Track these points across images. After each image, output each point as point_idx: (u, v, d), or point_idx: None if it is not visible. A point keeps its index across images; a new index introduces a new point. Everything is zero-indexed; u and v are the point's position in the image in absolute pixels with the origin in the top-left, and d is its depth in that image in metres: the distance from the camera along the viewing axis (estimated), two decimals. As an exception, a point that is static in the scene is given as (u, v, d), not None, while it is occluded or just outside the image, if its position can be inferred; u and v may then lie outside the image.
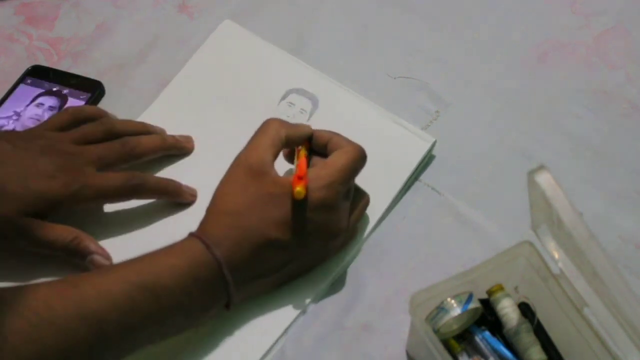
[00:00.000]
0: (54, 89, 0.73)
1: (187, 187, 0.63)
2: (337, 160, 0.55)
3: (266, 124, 0.58)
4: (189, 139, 0.67)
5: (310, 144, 0.59)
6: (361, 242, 0.61)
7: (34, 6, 0.81)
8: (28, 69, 0.75)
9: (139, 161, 0.63)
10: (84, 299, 0.48)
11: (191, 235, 0.54)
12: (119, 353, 0.50)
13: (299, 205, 0.53)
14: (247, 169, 0.55)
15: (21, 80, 0.74)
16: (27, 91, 0.73)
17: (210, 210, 0.55)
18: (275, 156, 0.56)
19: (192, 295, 0.51)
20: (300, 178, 0.53)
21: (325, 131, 0.59)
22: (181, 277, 0.51)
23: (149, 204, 0.63)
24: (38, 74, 0.74)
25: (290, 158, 0.60)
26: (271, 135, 0.56)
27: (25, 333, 0.45)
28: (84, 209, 0.61)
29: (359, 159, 0.57)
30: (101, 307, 0.48)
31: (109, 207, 0.63)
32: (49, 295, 0.48)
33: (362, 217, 0.61)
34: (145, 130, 0.66)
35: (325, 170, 0.55)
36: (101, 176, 0.59)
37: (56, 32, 0.79)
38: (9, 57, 0.77)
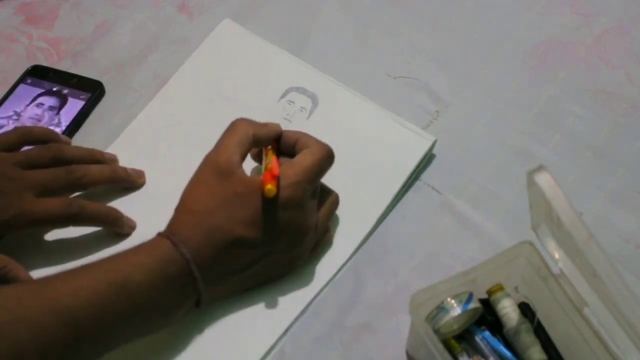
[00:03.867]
0: (54, 89, 0.73)
1: (128, 219, 0.63)
2: (303, 160, 0.56)
3: (234, 123, 0.58)
4: (140, 174, 0.66)
5: (278, 144, 0.60)
6: (361, 241, 0.61)
7: (34, 6, 0.81)
8: (28, 69, 0.75)
9: (85, 191, 0.63)
10: (57, 296, 0.48)
11: (159, 234, 0.54)
12: (94, 351, 0.50)
13: (267, 204, 0.53)
14: (214, 168, 0.55)
15: (21, 80, 0.74)
16: (27, 91, 0.73)
17: (178, 209, 0.56)
18: (243, 156, 0.57)
19: (162, 292, 0.51)
20: (273, 177, 0.53)
21: (293, 131, 0.60)
22: (151, 274, 0.51)
23: (91, 233, 0.63)
24: (38, 74, 0.74)
25: (258, 157, 0.61)
26: (239, 134, 0.57)
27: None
28: (23, 234, 0.61)
29: (326, 158, 0.57)
30: (75, 304, 0.48)
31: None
32: (21, 293, 0.48)
33: (332, 217, 0.60)
34: (95, 158, 0.65)
35: (292, 169, 0.55)
36: (39, 202, 0.58)
37: (56, 32, 0.79)
38: (9, 57, 0.77)
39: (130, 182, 0.65)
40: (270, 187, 0.52)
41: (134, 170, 0.66)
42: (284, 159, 0.58)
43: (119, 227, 0.62)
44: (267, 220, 0.54)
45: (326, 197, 0.60)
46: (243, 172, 0.56)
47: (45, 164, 0.61)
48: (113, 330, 0.50)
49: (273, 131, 0.59)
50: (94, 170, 0.63)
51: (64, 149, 0.63)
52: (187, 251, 0.52)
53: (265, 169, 0.55)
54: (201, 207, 0.54)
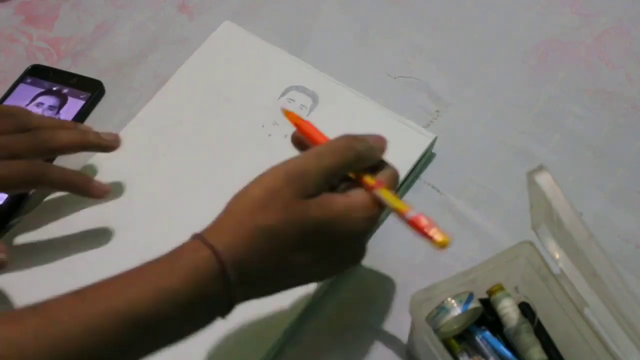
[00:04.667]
0: (54, 89, 0.73)
1: (98, 183, 0.59)
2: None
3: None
4: (115, 137, 0.62)
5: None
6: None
7: (34, 6, 0.81)
8: (28, 68, 0.75)
9: (52, 156, 0.59)
10: (64, 337, 0.39)
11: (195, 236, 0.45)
12: None
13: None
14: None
15: (21, 79, 0.74)
16: (27, 91, 0.73)
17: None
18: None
19: (197, 320, 0.44)
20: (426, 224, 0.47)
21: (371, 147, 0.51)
22: (185, 304, 0.42)
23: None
24: (38, 74, 0.74)
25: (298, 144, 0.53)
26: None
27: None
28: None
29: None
30: (86, 346, 0.40)
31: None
32: (18, 333, 0.39)
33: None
34: (67, 126, 0.62)
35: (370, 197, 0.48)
36: (1, 164, 0.55)
37: (56, 32, 0.79)
38: (9, 57, 0.77)
39: (103, 146, 0.62)
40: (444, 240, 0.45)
41: (107, 134, 0.62)
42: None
43: (88, 192, 0.59)
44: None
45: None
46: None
47: (10, 131, 0.57)
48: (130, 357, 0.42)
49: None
50: (62, 133, 0.59)
51: (31, 116, 0.60)
52: (224, 251, 0.43)
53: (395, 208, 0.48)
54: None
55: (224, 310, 0.45)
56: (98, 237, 0.63)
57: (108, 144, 0.62)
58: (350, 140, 0.49)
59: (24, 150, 0.57)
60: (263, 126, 0.68)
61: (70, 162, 0.67)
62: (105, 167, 0.67)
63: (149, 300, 0.41)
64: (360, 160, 0.49)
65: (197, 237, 0.44)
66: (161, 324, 0.42)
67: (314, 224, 0.45)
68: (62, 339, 0.39)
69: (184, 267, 0.42)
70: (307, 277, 0.50)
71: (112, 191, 0.64)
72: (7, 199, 0.66)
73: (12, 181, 0.56)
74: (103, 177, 0.67)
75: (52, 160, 0.65)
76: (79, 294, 0.41)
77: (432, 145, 0.65)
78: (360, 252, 0.51)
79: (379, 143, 0.51)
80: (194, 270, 0.42)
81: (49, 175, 0.57)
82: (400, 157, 0.64)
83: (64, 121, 0.64)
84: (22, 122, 0.58)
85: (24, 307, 0.41)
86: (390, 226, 0.62)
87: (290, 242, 0.45)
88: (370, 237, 0.53)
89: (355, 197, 0.48)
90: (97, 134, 0.62)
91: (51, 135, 0.58)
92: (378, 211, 0.48)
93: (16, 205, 0.66)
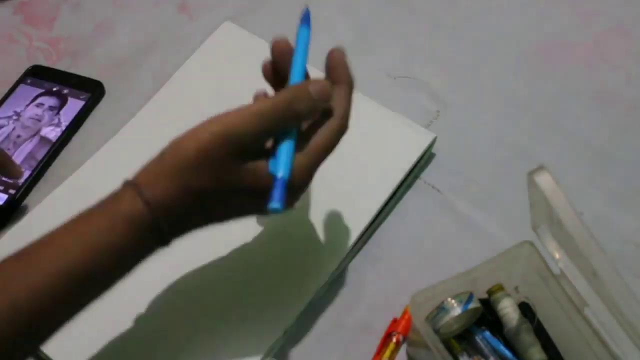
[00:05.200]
0: (54, 89, 0.73)
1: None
2: (322, 141, 0.49)
3: None
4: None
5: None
6: (358, 236, 0.61)
7: (33, 6, 0.81)
8: (28, 69, 0.75)
9: None
10: (12, 294, 0.43)
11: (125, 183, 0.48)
12: (52, 330, 0.46)
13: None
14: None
15: (21, 80, 0.74)
16: (27, 91, 0.73)
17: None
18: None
19: (132, 265, 0.47)
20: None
21: (340, 65, 0.53)
22: (122, 255, 0.46)
23: None
24: (38, 74, 0.74)
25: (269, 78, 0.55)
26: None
27: None
28: None
29: (341, 137, 0.51)
30: (31, 304, 0.43)
31: None
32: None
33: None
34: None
35: (307, 158, 0.48)
36: None
37: (56, 32, 0.79)
38: (9, 57, 0.77)
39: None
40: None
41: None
42: None
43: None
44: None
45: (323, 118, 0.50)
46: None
47: None
48: (72, 310, 0.46)
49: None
50: None
51: None
52: (151, 196, 0.46)
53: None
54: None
55: (157, 250, 0.48)
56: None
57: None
58: (292, 101, 0.48)
59: None
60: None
61: (70, 162, 0.68)
62: (105, 167, 0.67)
63: (89, 257, 0.44)
64: (300, 120, 0.49)
65: (133, 188, 0.47)
66: (100, 276, 0.45)
67: (245, 189, 0.47)
68: (6, 295, 0.43)
69: (122, 222, 0.45)
70: (227, 218, 0.50)
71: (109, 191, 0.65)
72: (6, 199, 0.66)
73: None
74: (103, 177, 0.66)
75: None
76: (18, 255, 0.45)
77: (432, 144, 0.65)
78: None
79: (322, 95, 0.50)
80: (130, 224, 0.45)
81: None
82: (400, 156, 0.64)
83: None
84: None
85: None
86: (390, 226, 0.62)
87: (218, 200, 0.47)
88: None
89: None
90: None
91: None
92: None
93: (16, 204, 0.66)
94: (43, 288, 0.44)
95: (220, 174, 0.46)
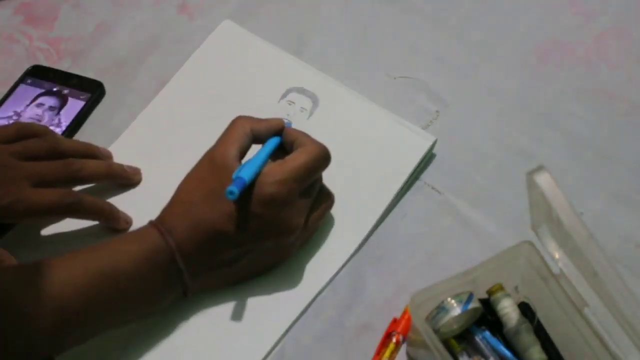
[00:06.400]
0: (54, 89, 0.73)
1: (124, 214, 0.63)
2: (295, 158, 0.55)
3: (233, 121, 0.58)
4: (137, 171, 0.66)
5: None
6: (361, 241, 0.61)
7: (33, 6, 0.81)
8: (28, 69, 0.75)
9: (81, 185, 0.63)
10: (45, 286, 0.48)
11: (150, 223, 0.55)
12: (80, 337, 0.52)
13: (250, 200, 0.53)
14: (210, 162, 0.56)
15: (21, 80, 0.74)
16: (27, 91, 0.73)
17: (171, 199, 0.56)
18: (241, 151, 0.56)
19: (149, 281, 0.52)
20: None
21: (294, 130, 0.59)
22: (138, 263, 0.52)
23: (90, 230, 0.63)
24: (38, 74, 0.74)
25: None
26: (237, 130, 0.57)
27: None
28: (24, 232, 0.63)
29: (319, 158, 0.56)
30: (64, 294, 0.49)
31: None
32: (9, 282, 0.49)
33: (324, 218, 0.60)
34: (91, 152, 0.65)
35: (280, 167, 0.55)
36: (36, 192, 0.58)
37: (56, 32, 0.79)
38: (9, 57, 0.77)
39: (126, 178, 0.65)
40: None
41: (130, 167, 0.66)
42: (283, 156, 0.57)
43: (115, 222, 0.62)
44: (250, 216, 0.54)
45: (324, 199, 0.59)
46: (236, 166, 0.55)
47: (42, 156, 0.61)
48: (100, 318, 0.51)
49: (272, 126, 0.59)
50: (91, 164, 0.63)
51: (60, 141, 0.63)
52: (173, 241, 0.53)
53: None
54: (190, 197, 0.55)
55: (179, 292, 0.55)
56: (100, 237, 0.63)
57: (130, 177, 0.66)
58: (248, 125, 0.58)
59: (55, 179, 0.60)
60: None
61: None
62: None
63: (111, 258, 0.52)
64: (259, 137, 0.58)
65: (155, 227, 0.54)
66: (122, 278, 0.51)
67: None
68: (40, 287, 0.48)
69: (138, 235, 0.54)
70: (245, 269, 0.57)
71: (112, 189, 0.66)
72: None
73: (45, 209, 0.59)
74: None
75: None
76: (59, 258, 0.51)
77: (432, 147, 0.65)
78: (288, 228, 0.56)
79: (276, 124, 0.59)
80: (144, 238, 0.53)
81: (80, 205, 0.60)
82: (400, 160, 0.64)
83: (89, 145, 0.66)
84: (52, 147, 0.62)
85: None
86: (390, 226, 0.62)
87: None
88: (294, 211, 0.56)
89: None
90: (120, 165, 0.66)
91: (82, 165, 0.62)
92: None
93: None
94: (75, 277, 0.50)
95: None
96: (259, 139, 0.58)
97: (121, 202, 0.64)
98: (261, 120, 0.59)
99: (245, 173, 0.52)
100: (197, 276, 0.55)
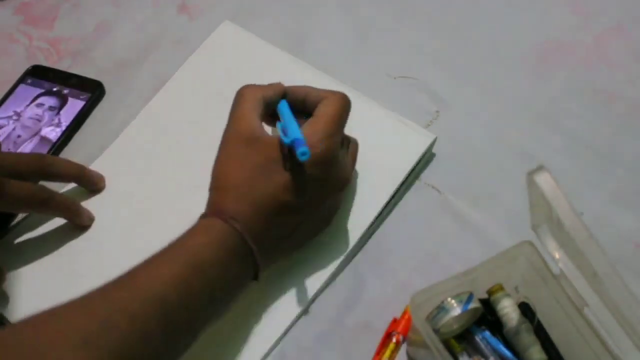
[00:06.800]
0: (54, 89, 0.73)
1: (87, 211, 0.64)
2: (326, 111, 0.54)
3: (240, 92, 0.57)
4: (102, 179, 0.67)
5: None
6: (359, 238, 0.61)
7: (33, 6, 0.81)
8: (28, 69, 0.75)
9: (51, 181, 0.64)
10: (144, 285, 0.47)
11: (204, 217, 0.53)
12: (187, 335, 0.50)
13: (302, 164, 0.52)
14: (239, 138, 0.54)
15: (21, 80, 0.74)
16: (27, 91, 0.73)
17: (216, 187, 0.54)
18: (261, 120, 0.56)
19: (229, 267, 0.51)
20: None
21: (299, 86, 0.59)
22: (216, 251, 0.50)
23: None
24: (38, 74, 0.74)
25: (269, 120, 0.58)
26: (250, 100, 0.56)
27: (103, 326, 0.44)
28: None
29: (346, 104, 0.56)
30: (163, 290, 0.47)
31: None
32: (113, 289, 0.47)
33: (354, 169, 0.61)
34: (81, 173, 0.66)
35: (318, 124, 0.54)
36: (13, 183, 0.58)
37: (56, 32, 0.79)
38: (9, 57, 0.77)
39: (93, 183, 0.66)
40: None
41: (97, 173, 0.66)
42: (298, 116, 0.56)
43: (79, 218, 0.63)
44: (307, 180, 0.53)
45: (351, 144, 0.60)
46: (268, 135, 0.55)
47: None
48: (197, 313, 0.50)
49: (279, 89, 0.58)
50: (63, 161, 0.64)
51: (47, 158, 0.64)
52: (239, 225, 0.51)
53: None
54: (239, 179, 0.53)
55: (251, 274, 0.53)
56: (99, 237, 0.63)
57: (96, 182, 0.66)
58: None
59: (27, 170, 0.60)
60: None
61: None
62: (107, 168, 0.67)
63: (191, 251, 0.50)
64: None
65: (216, 216, 0.52)
66: (207, 267, 0.50)
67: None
68: (139, 287, 0.47)
69: (202, 229, 0.52)
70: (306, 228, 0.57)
71: (114, 192, 0.66)
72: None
73: (20, 201, 0.59)
74: (108, 179, 0.67)
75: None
76: (145, 260, 0.49)
77: (432, 145, 0.65)
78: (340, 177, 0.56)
79: (279, 87, 0.59)
80: (211, 229, 0.51)
81: (52, 201, 0.61)
82: (400, 157, 0.64)
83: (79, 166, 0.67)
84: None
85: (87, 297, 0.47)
86: (390, 226, 0.62)
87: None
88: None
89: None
90: (91, 170, 0.66)
91: (54, 160, 0.63)
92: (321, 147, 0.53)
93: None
94: (168, 274, 0.48)
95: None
96: (268, 105, 0.57)
97: (122, 202, 0.65)
98: (266, 86, 0.58)
99: (296, 134, 0.51)
100: (266, 254, 0.53)
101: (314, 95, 0.57)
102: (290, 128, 0.52)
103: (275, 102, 0.57)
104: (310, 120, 0.55)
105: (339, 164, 0.55)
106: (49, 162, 0.62)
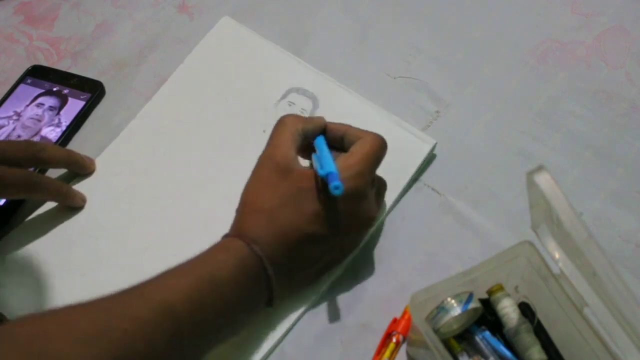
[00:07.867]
0: (54, 89, 0.73)
1: (79, 192, 0.65)
2: (362, 149, 0.55)
3: (282, 120, 0.58)
4: (92, 162, 0.68)
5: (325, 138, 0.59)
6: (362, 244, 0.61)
7: (33, 6, 0.81)
8: (28, 69, 0.75)
9: (40, 167, 0.65)
10: (155, 293, 0.47)
11: (227, 237, 0.54)
12: (194, 350, 0.49)
13: (332, 197, 0.52)
14: (273, 166, 0.55)
15: (21, 80, 0.74)
16: (27, 91, 0.73)
17: (242, 211, 0.55)
18: (298, 151, 0.56)
19: (244, 287, 0.51)
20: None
21: (339, 124, 0.59)
22: (233, 270, 0.50)
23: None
24: (38, 74, 0.74)
25: (304, 153, 0.59)
26: (290, 130, 0.56)
27: (105, 325, 0.44)
28: None
29: (383, 146, 0.57)
30: (174, 298, 0.47)
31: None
32: (122, 294, 0.47)
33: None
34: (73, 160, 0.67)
35: (352, 159, 0.54)
36: (4, 168, 0.59)
37: (56, 32, 0.79)
38: (9, 57, 0.77)
39: (83, 167, 0.67)
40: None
41: (86, 156, 0.68)
42: (334, 152, 0.57)
43: (72, 200, 0.64)
44: (333, 213, 0.53)
45: (381, 184, 0.60)
46: (301, 166, 0.55)
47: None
48: (208, 326, 0.49)
49: (320, 124, 0.59)
50: (53, 148, 0.65)
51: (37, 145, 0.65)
52: (260, 250, 0.52)
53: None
54: (268, 205, 0.53)
55: (265, 299, 0.54)
56: (98, 238, 0.63)
57: (87, 165, 0.67)
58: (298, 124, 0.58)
59: (17, 156, 0.61)
60: (264, 131, 0.67)
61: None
62: (107, 167, 0.67)
63: (208, 266, 0.50)
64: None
65: (238, 237, 0.52)
66: (222, 284, 0.50)
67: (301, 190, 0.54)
68: (150, 296, 0.47)
69: (223, 248, 0.52)
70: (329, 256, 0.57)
71: (114, 191, 0.66)
72: (6, 201, 0.66)
73: (10, 185, 0.59)
74: (104, 177, 0.67)
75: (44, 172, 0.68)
76: (159, 273, 0.49)
77: (432, 150, 0.65)
78: (367, 211, 0.57)
79: (320, 122, 0.59)
80: (232, 249, 0.52)
81: (43, 184, 0.62)
82: (401, 163, 0.64)
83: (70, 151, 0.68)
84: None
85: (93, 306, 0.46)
86: (390, 226, 0.62)
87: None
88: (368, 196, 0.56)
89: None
90: (79, 154, 0.67)
91: (43, 147, 0.64)
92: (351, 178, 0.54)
93: (19, 204, 0.66)
94: (182, 284, 0.48)
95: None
96: (306, 137, 0.58)
97: (122, 202, 0.65)
98: (308, 119, 0.58)
99: (332, 167, 0.52)
100: (284, 282, 0.54)
101: (353, 135, 0.57)
102: (326, 162, 0.53)
103: (313, 136, 0.58)
104: (346, 156, 0.55)
105: (366, 202, 0.56)
106: (38, 148, 0.63)
